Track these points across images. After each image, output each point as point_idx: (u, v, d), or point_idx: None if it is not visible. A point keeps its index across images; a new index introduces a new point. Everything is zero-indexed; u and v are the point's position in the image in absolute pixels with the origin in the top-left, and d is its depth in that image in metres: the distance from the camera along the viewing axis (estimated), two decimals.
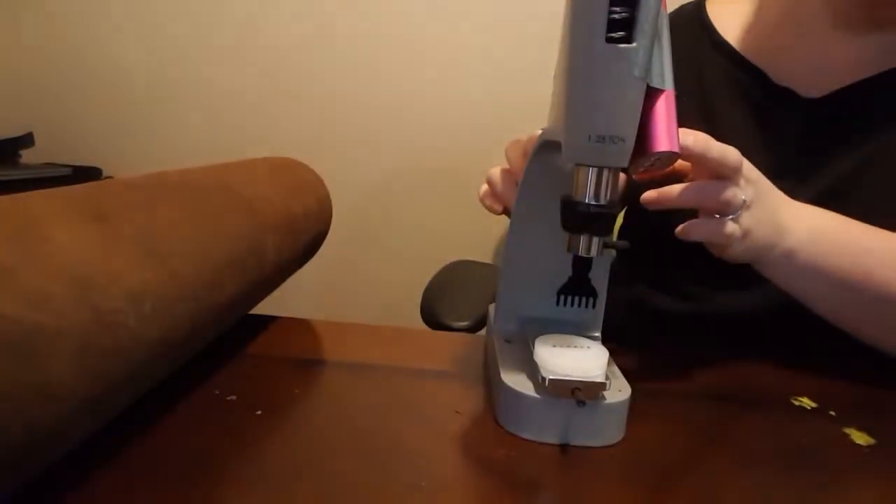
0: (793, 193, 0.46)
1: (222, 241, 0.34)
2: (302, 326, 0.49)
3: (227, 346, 0.42)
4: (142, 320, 0.27)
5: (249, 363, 0.41)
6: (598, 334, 0.42)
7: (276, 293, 0.48)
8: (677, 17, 0.62)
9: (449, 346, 0.47)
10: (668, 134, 0.32)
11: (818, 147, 0.52)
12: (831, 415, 0.41)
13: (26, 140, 1.37)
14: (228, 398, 0.36)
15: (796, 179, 0.50)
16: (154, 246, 0.28)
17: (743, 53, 0.56)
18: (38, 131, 1.42)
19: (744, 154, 0.42)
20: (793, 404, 0.42)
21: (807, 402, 0.42)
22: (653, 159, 0.33)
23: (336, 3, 1.42)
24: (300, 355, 0.43)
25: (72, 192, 0.29)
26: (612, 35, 0.28)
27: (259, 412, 0.34)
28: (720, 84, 0.56)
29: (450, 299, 1.02)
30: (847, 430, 0.38)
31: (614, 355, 0.37)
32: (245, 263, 0.37)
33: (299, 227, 0.43)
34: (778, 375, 0.47)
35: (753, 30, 0.58)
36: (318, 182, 0.51)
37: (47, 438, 0.23)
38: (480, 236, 1.38)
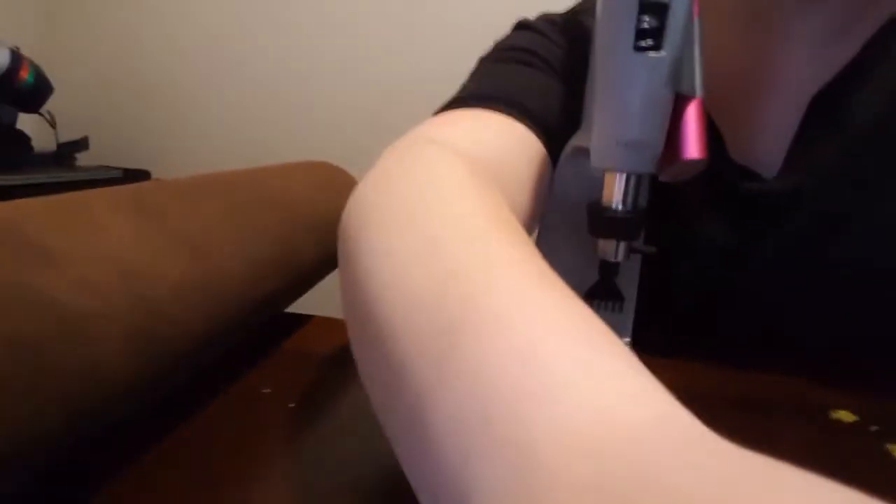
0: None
1: (262, 240, 0.36)
2: (338, 325, 0.50)
3: (264, 341, 0.44)
4: (185, 311, 0.28)
5: (285, 358, 0.43)
6: (628, 339, 0.42)
7: (313, 292, 0.49)
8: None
9: None
10: (699, 141, 0.33)
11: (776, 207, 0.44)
12: (872, 430, 0.39)
13: (82, 144, 1.43)
14: (263, 391, 0.37)
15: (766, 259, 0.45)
16: (198, 242, 0.30)
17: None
18: (93, 135, 1.49)
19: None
20: (830, 417, 0.40)
21: (845, 416, 0.40)
22: (681, 166, 0.33)
23: (378, 16, 1.45)
24: (335, 353, 0.45)
25: (122, 190, 0.31)
26: (641, 44, 0.28)
27: (292, 405, 0.36)
28: None
29: None
30: (890, 447, 0.37)
31: (643, 360, 0.37)
32: (283, 262, 0.38)
33: (335, 227, 0.44)
34: (813, 385, 0.45)
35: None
36: (353, 182, 0.52)
37: (93, 419, 0.24)
38: None
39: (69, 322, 0.22)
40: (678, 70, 0.30)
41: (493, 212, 0.23)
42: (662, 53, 0.29)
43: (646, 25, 0.29)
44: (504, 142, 0.37)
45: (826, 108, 0.41)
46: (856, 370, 0.46)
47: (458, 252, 0.19)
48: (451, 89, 0.44)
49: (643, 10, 0.28)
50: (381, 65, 1.46)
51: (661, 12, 0.28)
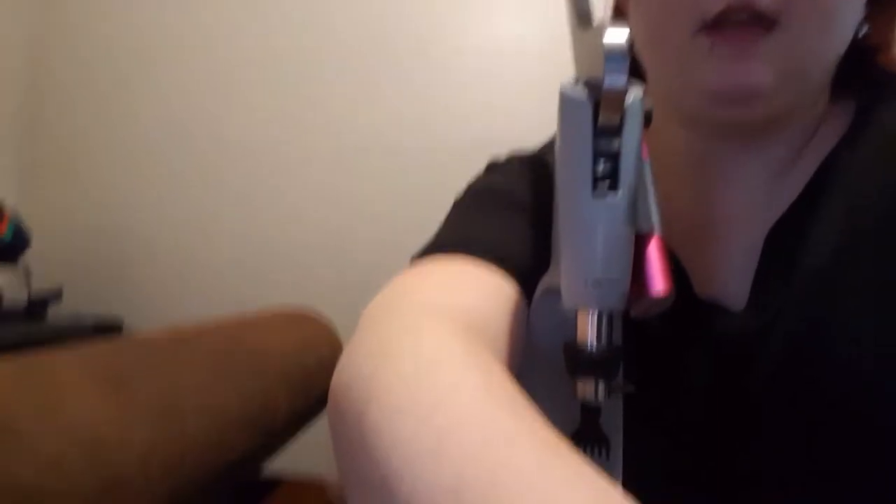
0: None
1: (234, 399, 0.35)
2: (309, 489, 0.48)
3: None
4: (149, 482, 0.27)
5: None
6: (618, 482, 0.40)
7: (293, 446, 0.47)
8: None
9: None
10: (663, 276, 0.34)
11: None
12: None
13: (55, 294, 1.42)
14: None
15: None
16: (166, 407, 0.29)
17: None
18: (67, 281, 1.48)
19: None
20: None
21: None
22: (649, 302, 0.34)
23: (357, 143, 1.52)
24: None
25: (90, 354, 0.30)
26: (598, 188, 0.30)
27: None
28: None
29: None
30: None
31: None
32: (256, 419, 0.37)
33: (312, 379, 0.43)
34: None
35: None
36: (331, 332, 0.52)
37: None
38: None
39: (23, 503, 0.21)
40: (634, 210, 0.31)
41: (489, 385, 0.25)
42: (619, 195, 0.30)
43: (601, 170, 0.30)
44: (482, 292, 0.38)
45: (782, 241, 0.42)
46: None
47: (467, 454, 0.21)
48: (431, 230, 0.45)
49: (597, 156, 0.30)
50: (357, 203, 1.51)
51: (613, 157, 0.30)
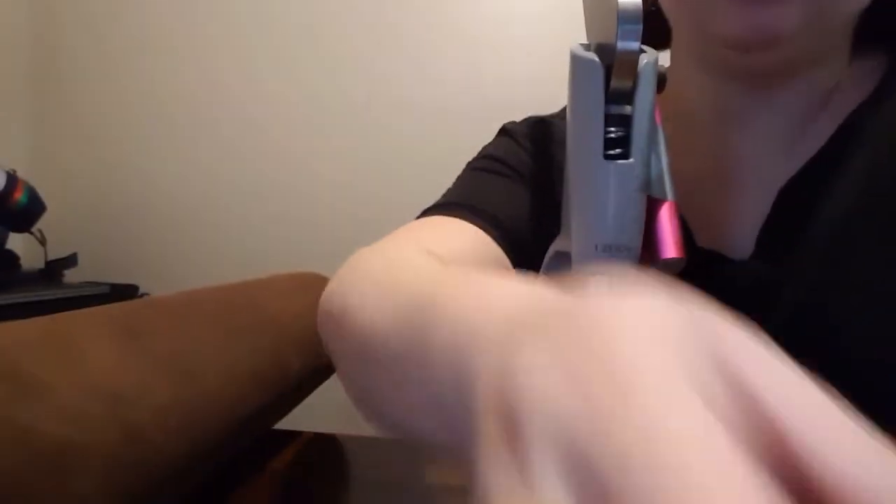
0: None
1: (250, 357, 0.35)
2: (328, 442, 0.49)
3: (252, 460, 0.42)
4: (169, 434, 0.28)
5: (273, 479, 0.41)
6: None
7: (304, 406, 0.48)
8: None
9: None
10: (675, 241, 0.34)
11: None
12: None
13: (70, 261, 1.44)
14: None
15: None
16: (184, 363, 0.30)
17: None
18: (82, 250, 1.50)
19: None
20: None
21: None
22: (660, 266, 0.34)
23: (366, 117, 1.52)
24: (326, 473, 0.43)
25: (109, 312, 0.31)
26: (609, 152, 0.30)
27: None
28: None
29: None
30: None
31: None
32: (269, 377, 0.38)
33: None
34: None
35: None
36: None
37: None
38: None
39: (48, 455, 0.22)
40: (647, 175, 0.31)
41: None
42: (631, 160, 0.30)
43: (612, 135, 0.30)
44: (468, 245, 0.41)
45: (794, 199, 0.43)
46: None
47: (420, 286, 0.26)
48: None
49: (608, 121, 0.30)
50: (371, 175, 1.51)
51: (625, 122, 0.30)
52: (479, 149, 0.53)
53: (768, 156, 0.44)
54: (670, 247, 0.33)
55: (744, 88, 0.43)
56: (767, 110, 0.43)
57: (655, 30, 0.42)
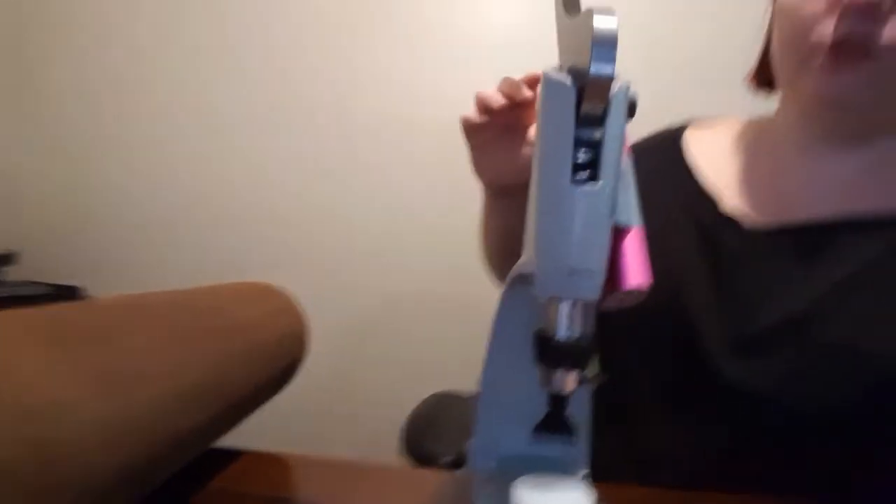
0: (745, 321, 0.49)
1: (188, 368, 0.33)
2: (271, 461, 0.46)
3: (190, 480, 0.40)
4: (93, 453, 0.25)
5: (213, 500, 0.39)
6: (585, 471, 0.40)
7: (247, 423, 0.46)
8: (662, 140, 0.66)
9: (434, 486, 0.45)
10: (638, 270, 0.33)
11: (765, 276, 0.51)
12: None
13: (9, 259, 1.38)
14: None
15: (744, 310, 0.50)
16: (114, 373, 0.28)
17: (703, 178, 0.59)
18: (25, 250, 1.44)
19: (687, 279, 0.50)
20: None
21: None
22: (623, 295, 0.33)
23: (327, 128, 1.50)
24: (268, 492, 0.41)
25: (37, 315, 0.29)
26: (577, 177, 0.29)
27: None
28: (678, 207, 0.58)
29: (433, 431, 0.98)
30: None
31: (605, 496, 0.35)
32: (212, 391, 0.36)
33: (272, 354, 0.42)
34: None
35: (718, 155, 0.61)
36: (294, 308, 0.51)
37: None
38: (462, 367, 1.37)
39: None
40: (615, 201, 0.31)
41: None
42: (599, 184, 0.30)
43: (581, 159, 0.30)
44: None
45: (836, 231, 0.50)
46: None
47: None
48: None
49: (578, 144, 0.30)
50: (327, 182, 1.49)
51: (595, 147, 0.30)
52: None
53: (838, 187, 0.52)
54: (636, 274, 0.33)
55: (822, 139, 0.52)
56: (836, 160, 0.52)
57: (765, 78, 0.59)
